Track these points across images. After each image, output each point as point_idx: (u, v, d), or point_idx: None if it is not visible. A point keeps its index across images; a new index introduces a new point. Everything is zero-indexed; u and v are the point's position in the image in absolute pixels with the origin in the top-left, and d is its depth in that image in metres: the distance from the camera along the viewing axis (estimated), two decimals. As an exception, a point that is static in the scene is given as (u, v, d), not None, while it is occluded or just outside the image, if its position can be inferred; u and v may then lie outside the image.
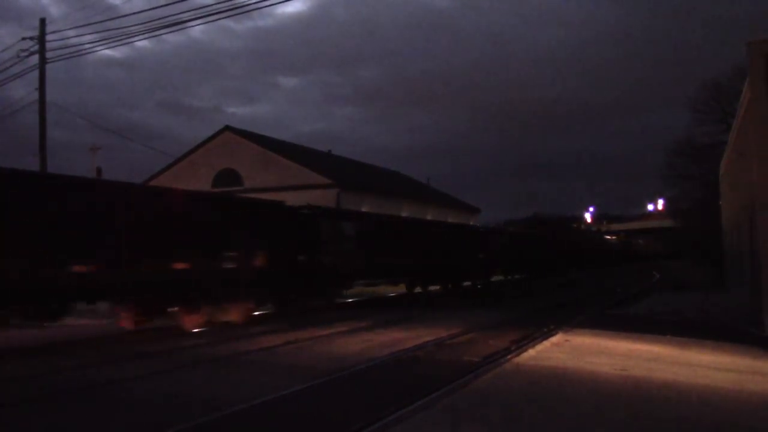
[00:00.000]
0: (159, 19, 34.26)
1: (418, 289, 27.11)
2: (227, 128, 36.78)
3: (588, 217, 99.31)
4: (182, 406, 7.37)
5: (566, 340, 12.38)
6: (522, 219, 52.22)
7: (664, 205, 71.48)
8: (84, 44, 24.09)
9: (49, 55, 23.72)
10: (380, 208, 33.34)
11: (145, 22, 50.62)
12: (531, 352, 10.80)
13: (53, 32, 24.48)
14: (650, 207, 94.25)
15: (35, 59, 23.73)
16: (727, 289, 27.20)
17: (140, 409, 7.35)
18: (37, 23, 23.82)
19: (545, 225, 50.49)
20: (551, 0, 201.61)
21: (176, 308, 14.28)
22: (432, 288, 27.99)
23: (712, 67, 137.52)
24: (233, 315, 15.33)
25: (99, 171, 29.60)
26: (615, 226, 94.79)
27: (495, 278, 36.46)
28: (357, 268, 21.37)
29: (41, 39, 23.80)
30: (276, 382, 8.52)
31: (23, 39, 23.70)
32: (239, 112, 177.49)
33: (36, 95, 23.56)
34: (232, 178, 34.72)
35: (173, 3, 19.26)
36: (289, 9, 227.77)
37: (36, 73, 23.85)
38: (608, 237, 67.53)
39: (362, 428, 6.12)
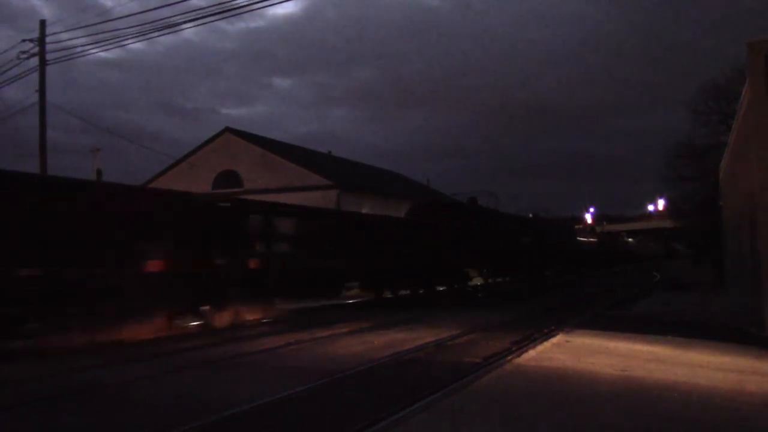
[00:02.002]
0: (152, 22, 34.29)
1: None
2: (227, 130, 36.76)
3: (588, 217, 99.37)
4: (184, 409, 7.36)
5: (566, 341, 12.38)
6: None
7: (665, 205, 71.19)
8: (77, 47, 24.11)
9: (48, 57, 23.78)
10: (381, 209, 33.31)
11: (137, 25, 50.69)
12: (531, 353, 10.81)
13: (50, 35, 24.42)
14: (650, 207, 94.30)
15: (33, 62, 23.78)
16: (727, 289, 27.18)
17: (141, 412, 7.34)
18: (29, 25, 24.02)
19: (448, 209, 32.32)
20: None
21: None
22: None
23: (711, 67, 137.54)
24: None
25: (99, 173, 29.61)
26: (615, 227, 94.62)
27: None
28: None
29: (41, 41, 23.84)
30: (277, 383, 8.53)
31: (23, 41, 23.76)
32: (234, 114, 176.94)
33: (34, 97, 23.60)
34: (232, 180, 34.74)
35: (165, 6, 19.21)
36: (280, 11, 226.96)
37: (31, 76, 23.90)
38: (582, 239, 54.19)
39: (363, 429, 6.13)
